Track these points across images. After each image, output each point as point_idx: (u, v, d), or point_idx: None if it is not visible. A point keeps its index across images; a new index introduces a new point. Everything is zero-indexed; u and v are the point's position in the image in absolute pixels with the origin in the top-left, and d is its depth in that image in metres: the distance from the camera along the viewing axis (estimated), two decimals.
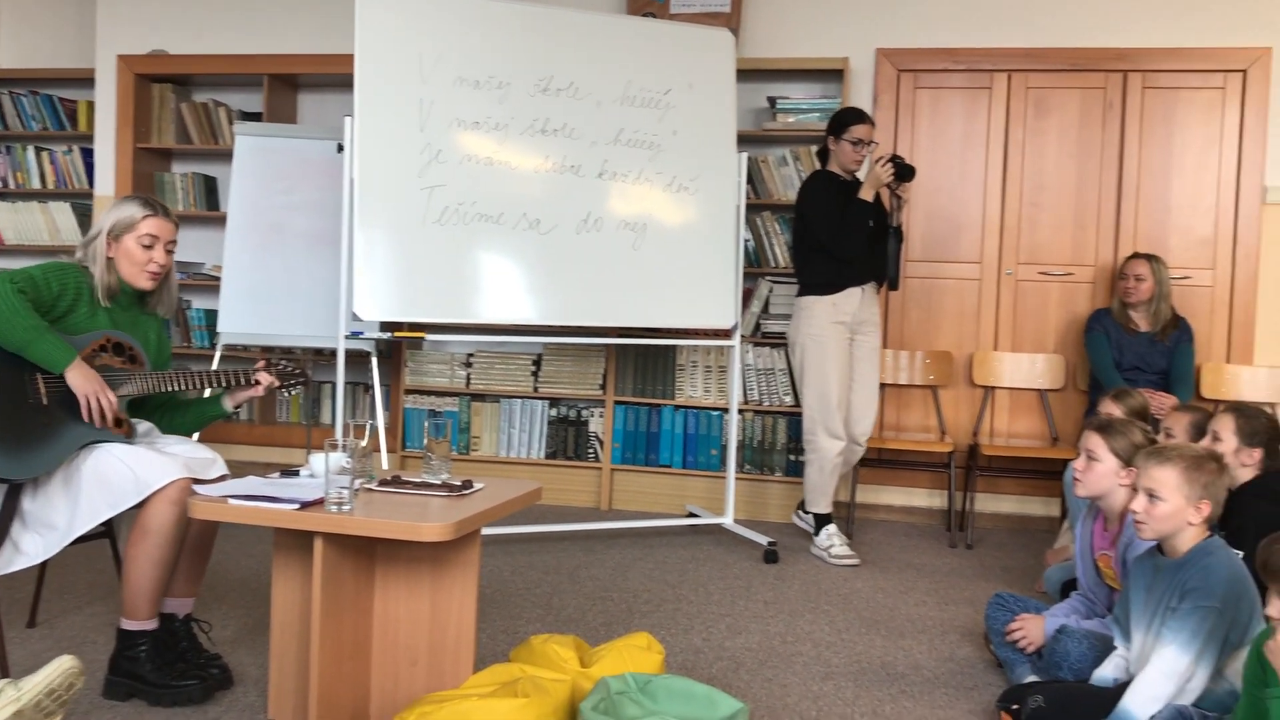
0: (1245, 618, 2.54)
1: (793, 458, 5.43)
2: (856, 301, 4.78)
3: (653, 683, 2.56)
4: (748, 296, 5.43)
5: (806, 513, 4.87)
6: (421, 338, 4.84)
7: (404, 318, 4.50)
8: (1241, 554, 2.70)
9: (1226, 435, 3.63)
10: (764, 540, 4.71)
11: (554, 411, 5.67)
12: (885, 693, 3.19)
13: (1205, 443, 3.56)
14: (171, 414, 3.21)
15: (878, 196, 4.70)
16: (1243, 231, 5.27)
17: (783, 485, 5.44)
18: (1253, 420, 3.69)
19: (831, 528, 4.77)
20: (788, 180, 5.49)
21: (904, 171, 4.61)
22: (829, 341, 4.74)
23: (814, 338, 4.76)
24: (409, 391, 5.78)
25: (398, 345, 5.75)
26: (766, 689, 3.17)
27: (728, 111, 4.92)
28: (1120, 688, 2.59)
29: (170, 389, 3.06)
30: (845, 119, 4.76)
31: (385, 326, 4.86)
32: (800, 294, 4.83)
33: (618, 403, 5.57)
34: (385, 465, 5.34)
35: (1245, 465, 3.54)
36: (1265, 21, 5.23)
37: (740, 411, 5.35)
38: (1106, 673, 2.75)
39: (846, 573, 4.52)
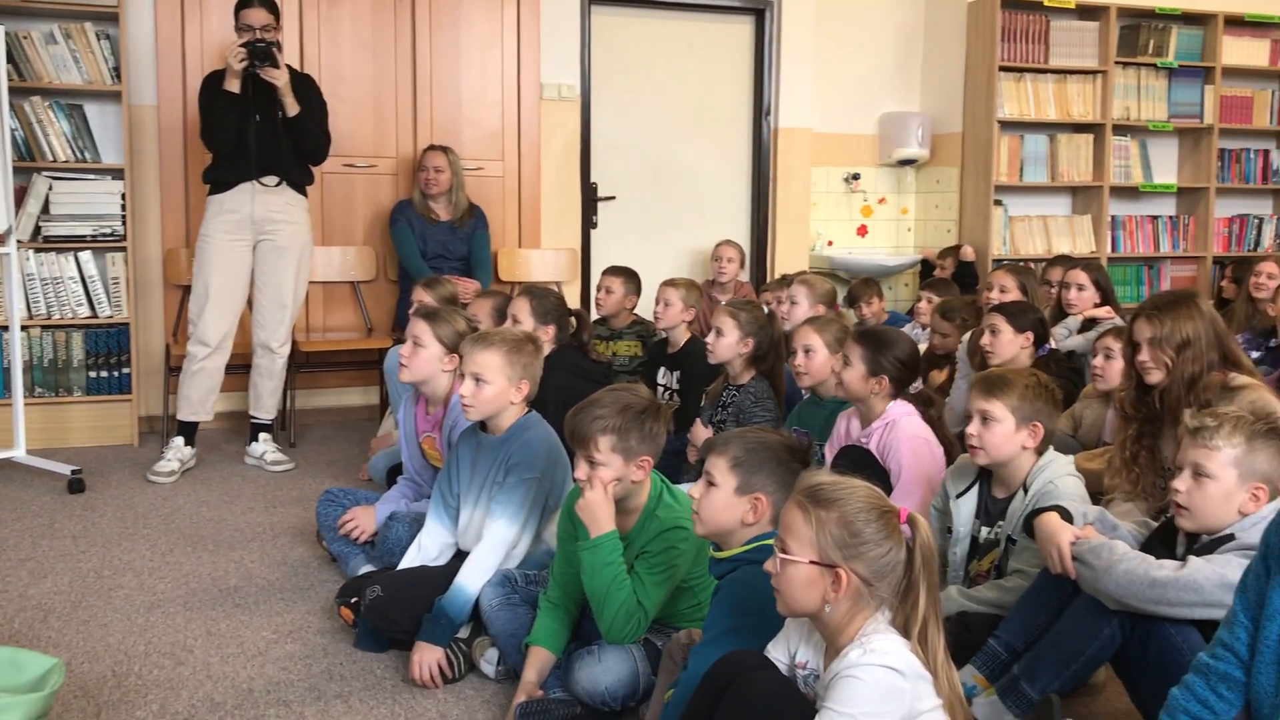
0: (560, 483, 2.80)
1: (93, 374, 4.90)
2: (249, 199, 4.43)
3: None
4: (21, 195, 4.71)
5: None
6: None
7: None
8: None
9: (524, 317, 3.95)
10: (67, 469, 4.21)
11: None
12: (219, 610, 3.05)
13: (507, 325, 3.84)
14: None
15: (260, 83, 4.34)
16: (525, 125, 5.69)
17: (85, 407, 4.89)
18: (544, 300, 4.05)
19: (178, 440, 4.45)
20: (60, 60, 4.80)
21: (259, 54, 4.27)
22: (213, 242, 4.46)
23: (204, 238, 4.49)
24: None
25: None
26: (84, 633, 2.86)
27: None
28: (451, 567, 2.72)
29: None
30: (238, 6, 4.38)
31: None
32: None
33: None
34: None
35: (543, 341, 3.88)
36: None
37: (25, 328, 4.66)
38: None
39: (166, 491, 4.22)
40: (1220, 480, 2.12)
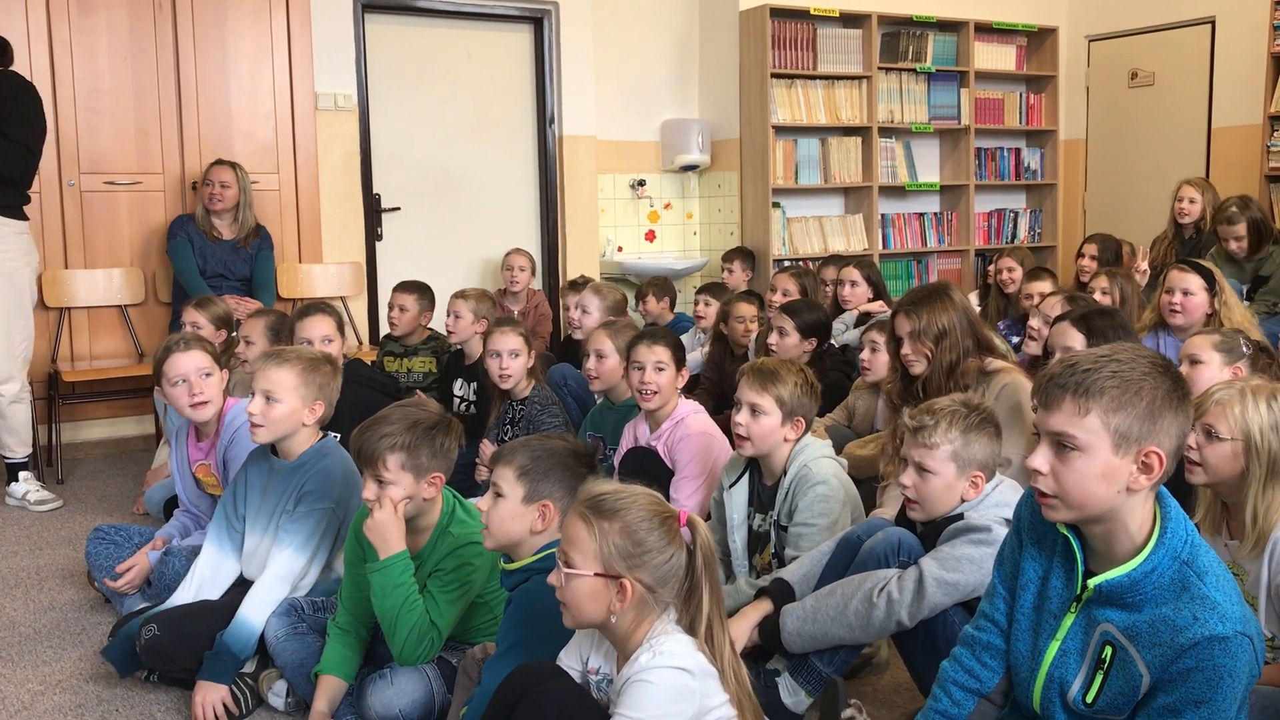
0: (357, 510, 2.70)
1: None
2: None
3: None
4: None
5: None
6: None
7: None
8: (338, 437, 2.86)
9: (333, 333, 3.83)
10: None
11: None
12: None
13: (317, 344, 3.70)
14: None
15: None
16: (301, 137, 5.51)
17: None
18: (337, 314, 3.94)
19: None
20: None
21: None
22: None
23: None
24: None
25: None
26: None
27: None
28: (232, 600, 2.60)
29: None
30: None
31: None
32: None
33: None
34: None
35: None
36: None
37: None
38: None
39: None
40: (942, 475, 2.25)
